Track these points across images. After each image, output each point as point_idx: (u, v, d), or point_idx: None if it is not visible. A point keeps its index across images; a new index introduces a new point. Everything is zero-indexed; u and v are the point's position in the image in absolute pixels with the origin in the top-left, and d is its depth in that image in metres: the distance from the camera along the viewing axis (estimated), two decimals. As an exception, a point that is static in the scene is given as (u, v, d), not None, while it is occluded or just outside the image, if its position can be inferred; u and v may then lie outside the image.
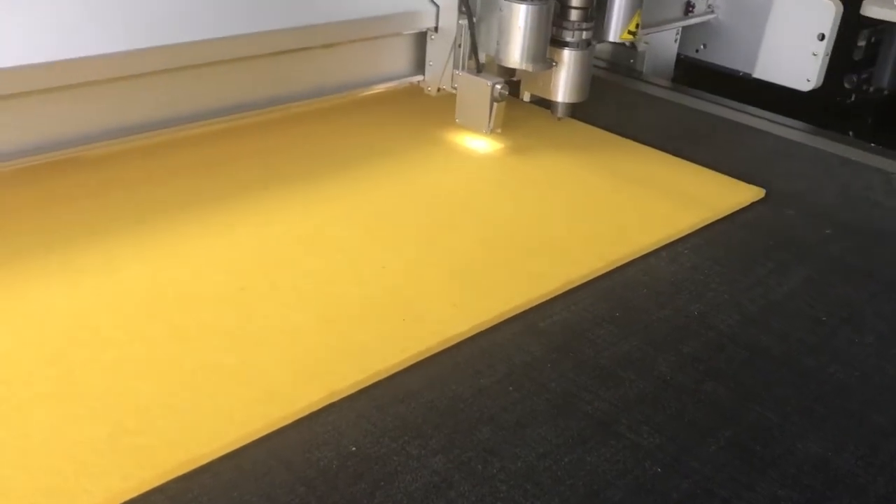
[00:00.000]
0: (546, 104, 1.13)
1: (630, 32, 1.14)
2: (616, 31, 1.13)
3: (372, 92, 1.09)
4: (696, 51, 1.56)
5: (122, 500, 0.53)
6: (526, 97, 1.13)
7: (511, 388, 0.66)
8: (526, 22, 1.00)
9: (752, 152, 1.15)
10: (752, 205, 1.01)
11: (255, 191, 0.91)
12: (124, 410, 0.60)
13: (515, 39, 1.01)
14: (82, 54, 0.80)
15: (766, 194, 1.03)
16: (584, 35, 1.07)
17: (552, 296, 0.78)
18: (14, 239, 0.79)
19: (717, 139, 1.19)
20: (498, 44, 1.02)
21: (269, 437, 0.59)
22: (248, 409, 0.61)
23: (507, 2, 1.00)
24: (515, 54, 1.02)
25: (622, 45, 1.48)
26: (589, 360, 0.70)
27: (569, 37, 1.06)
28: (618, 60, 1.51)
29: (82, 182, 0.90)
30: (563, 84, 1.09)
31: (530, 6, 0.99)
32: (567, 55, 1.07)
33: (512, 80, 1.11)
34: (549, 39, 1.04)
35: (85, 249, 0.79)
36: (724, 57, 1.54)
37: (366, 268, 0.80)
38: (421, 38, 1.06)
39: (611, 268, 0.84)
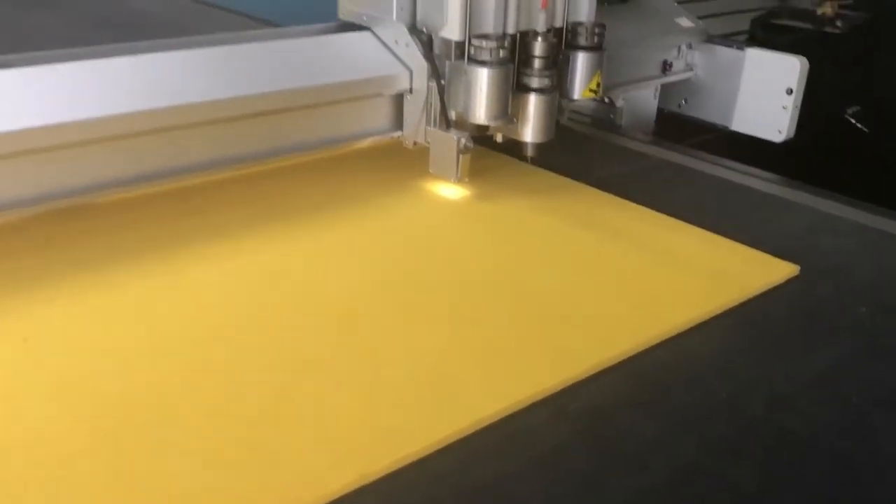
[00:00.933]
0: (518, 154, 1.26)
1: (591, 90, 1.26)
2: (578, 89, 1.25)
3: (357, 146, 1.22)
4: (679, 106, 1.68)
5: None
6: (499, 138, 1.25)
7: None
8: (488, 84, 1.13)
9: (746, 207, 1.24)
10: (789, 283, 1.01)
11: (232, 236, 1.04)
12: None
13: (479, 99, 1.14)
14: (95, 115, 0.95)
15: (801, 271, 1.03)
16: (547, 82, 1.19)
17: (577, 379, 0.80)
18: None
19: (729, 205, 1.26)
20: (464, 103, 1.15)
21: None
22: (280, 490, 0.64)
23: (470, 66, 1.13)
24: (480, 112, 1.14)
25: (602, 101, 1.61)
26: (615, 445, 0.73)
27: (533, 83, 1.18)
28: (599, 116, 1.63)
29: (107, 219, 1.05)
30: (531, 126, 1.21)
31: (490, 70, 1.12)
32: (532, 99, 1.19)
33: (487, 133, 1.24)
34: (509, 98, 1.15)
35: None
36: (703, 111, 1.65)
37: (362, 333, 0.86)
38: (399, 98, 1.19)
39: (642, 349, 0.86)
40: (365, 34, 1.19)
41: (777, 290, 0.99)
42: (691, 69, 1.64)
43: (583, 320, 0.91)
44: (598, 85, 1.26)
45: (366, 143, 1.22)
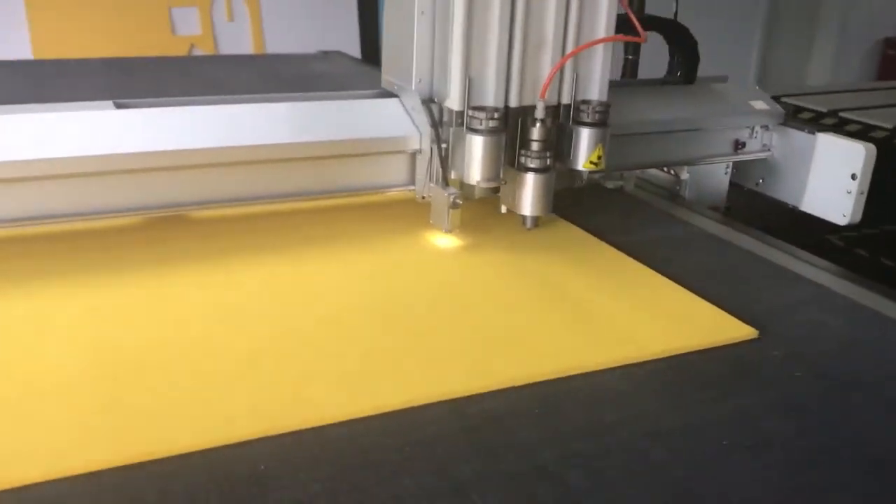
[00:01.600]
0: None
1: (592, 162, 1.35)
2: (580, 160, 1.36)
3: (383, 196, 1.43)
4: (756, 184, 1.68)
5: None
6: (503, 209, 1.39)
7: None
8: (481, 149, 1.28)
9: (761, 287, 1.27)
10: (741, 343, 1.07)
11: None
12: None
13: (474, 162, 1.30)
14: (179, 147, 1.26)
15: (760, 335, 1.08)
16: (543, 163, 1.31)
17: (487, 389, 0.94)
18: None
19: (736, 273, 1.33)
20: (461, 165, 1.31)
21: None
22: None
23: (468, 134, 1.29)
24: (475, 174, 1.30)
25: (669, 173, 1.67)
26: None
27: (531, 164, 1.32)
28: (667, 186, 1.68)
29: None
30: (528, 201, 1.34)
31: (483, 137, 1.28)
32: (529, 178, 1.33)
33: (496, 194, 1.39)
34: (501, 162, 1.30)
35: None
36: (778, 191, 1.65)
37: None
38: (414, 156, 1.38)
39: (555, 376, 0.98)
40: (393, 101, 1.40)
41: (727, 349, 1.06)
42: (768, 150, 1.65)
43: (513, 344, 1.05)
44: (600, 158, 1.36)
45: (390, 193, 1.42)
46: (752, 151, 1.65)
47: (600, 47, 1.35)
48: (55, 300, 1.13)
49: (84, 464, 0.80)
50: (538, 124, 1.30)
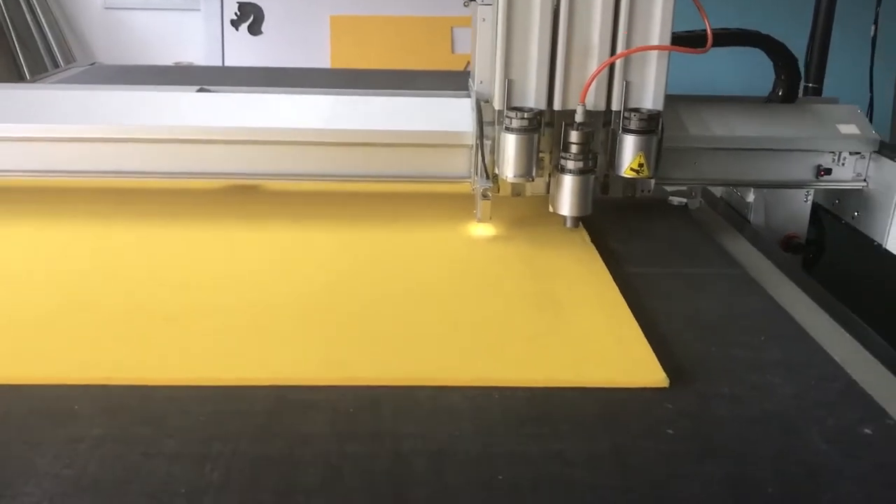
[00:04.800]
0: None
1: (633, 169, 1.37)
2: (623, 166, 1.38)
3: (447, 186, 1.53)
4: (852, 217, 1.59)
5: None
6: (550, 209, 1.44)
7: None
8: (514, 147, 1.35)
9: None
10: (645, 390, 0.99)
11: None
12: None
13: (507, 159, 1.37)
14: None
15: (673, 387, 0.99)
16: (581, 165, 1.35)
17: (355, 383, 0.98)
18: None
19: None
20: (498, 161, 1.39)
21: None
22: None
23: (503, 132, 1.36)
24: (508, 170, 1.37)
25: (738, 194, 1.63)
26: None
27: (569, 166, 1.36)
28: (736, 207, 1.64)
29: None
30: (565, 201, 1.39)
31: (517, 136, 1.34)
32: (567, 179, 1.37)
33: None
34: (533, 161, 1.36)
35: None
36: (870, 226, 1.54)
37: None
38: (478, 152, 1.47)
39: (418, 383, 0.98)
40: (465, 101, 1.50)
41: (621, 392, 0.98)
42: (862, 180, 1.55)
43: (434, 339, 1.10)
44: (641, 165, 1.37)
45: (455, 184, 1.52)
46: (841, 180, 1.55)
47: (653, 56, 1.36)
48: (154, 234, 1.42)
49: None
50: (576, 129, 1.35)
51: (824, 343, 1.12)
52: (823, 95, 2.57)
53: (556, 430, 0.90)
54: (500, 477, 0.83)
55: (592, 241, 1.42)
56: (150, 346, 1.05)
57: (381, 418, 0.92)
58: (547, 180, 1.45)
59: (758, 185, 1.59)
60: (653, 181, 1.49)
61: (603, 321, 1.16)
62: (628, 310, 1.18)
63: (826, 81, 2.79)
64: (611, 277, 1.28)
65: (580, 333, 1.12)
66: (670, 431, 0.91)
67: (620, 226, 1.51)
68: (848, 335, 1.15)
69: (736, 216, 1.61)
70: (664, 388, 0.99)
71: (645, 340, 1.09)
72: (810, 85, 1.57)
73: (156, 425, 0.89)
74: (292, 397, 0.95)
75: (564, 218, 1.42)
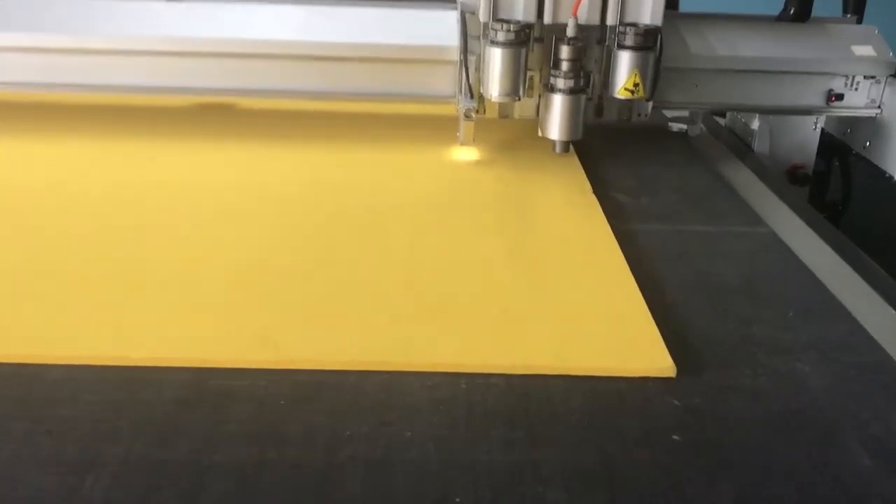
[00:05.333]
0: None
1: (627, 89, 1.27)
2: (616, 85, 1.28)
3: (425, 103, 1.43)
4: (863, 147, 1.49)
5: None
6: (539, 132, 1.35)
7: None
8: (499, 62, 1.25)
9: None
10: (647, 380, 0.80)
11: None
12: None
13: (493, 76, 1.26)
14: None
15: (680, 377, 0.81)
16: (572, 84, 1.25)
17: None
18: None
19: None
20: (483, 79, 1.29)
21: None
22: None
23: (488, 46, 1.26)
24: (493, 88, 1.27)
25: (742, 121, 1.52)
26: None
27: (559, 84, 1.26)
28: (740, 134, 1.54)
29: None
30: (554, 124, 1.29)
31: (503, 50, 1.24)
32: (557, 99, 1.27)
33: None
34: (520, 79, 1.26)
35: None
36: (883, 157, 1.45)
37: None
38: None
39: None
40: (449, 12, 1.39)
41: (622, 382, 0.80)
42: (877, 106, 1.44)
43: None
44: (637, 85, 1.27)
45: (435, 104, 1.42)
46: (853, 107, 1.45)
47: (653, -33, 1.25)
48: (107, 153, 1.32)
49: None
50: (567, 44, 1.24)
51: (863, 319, 0.93)
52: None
53: (532, 434, 0.73)
54: (458, 500, 0.65)
55: (583, 166, 1.33)
56: (50, 310, 0.87)
57: (317, 413, 0.74)
58: (537, 102, 1.36)
59: (763, 111, 1.48)
60: (650, 104, 1.39)
61: (596, 284, 0.97)
62: (628, 269, 0.99)
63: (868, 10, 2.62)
64: (606, 222, 1.13)
65: (568, 303, 0.93)
66: (676, 438, 0.73)
67: (614, 154, 1.42)
68: (893, 310, 0.93)
69: (739, 144, 1.51)
70: (670, 379, 0.81)
71: (649, 315, 0.90)
72: (848, 15, 1.44)
73: (33, 418, 0.72)
74: (212, 383, 0.77)
75: (553, 143, 1.32)
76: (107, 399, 0.75)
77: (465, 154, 1.34)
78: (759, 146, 1.49)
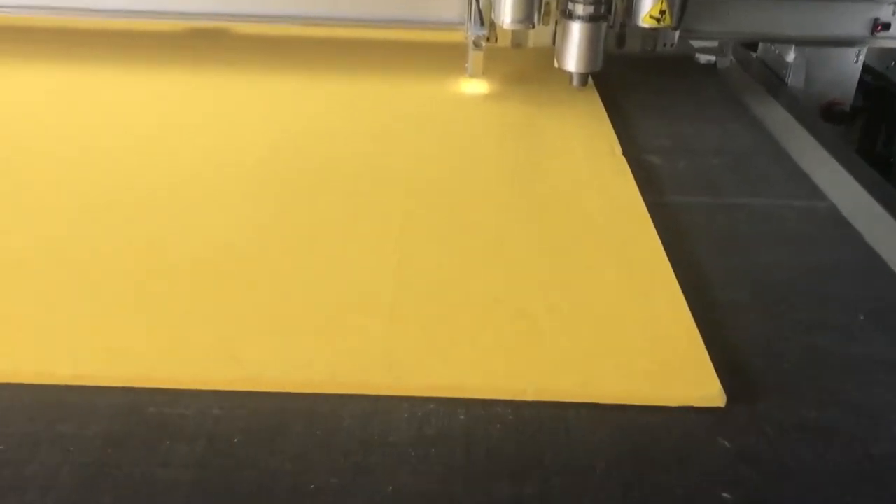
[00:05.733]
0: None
1: (653, 17, 1.16)
2: (640, 13, 1.16)
3: (433, 31, 1.32)
4: (887, 67, 1.37)
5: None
6: (556, 64, 1.24)
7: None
8: (513, -13, 1.14)
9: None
10: (689, 412, 0.65)
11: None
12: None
13: (506, 1, 1.15)
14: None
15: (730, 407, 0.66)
16: (591, 10, 1.14)
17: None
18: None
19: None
20: (496, 5, 1.18)
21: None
22: None
23: (501, -33, 1.14)
24: (505, 14, 1.16)
25: (776, 53, 1.40)
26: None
27: (578, 10, 1.15)
28: (773, 67, 1.42)
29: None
30: (572, 55, 1.18)
31: (517, -26, 1.13)
32: (574, 28, 1.16)
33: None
34: (534, 4, 1.14)
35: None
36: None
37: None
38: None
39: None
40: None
41: (658, 413, 0.65)
42: (924, 36, 1.32)
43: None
44: (663, 13, 1.15)
45: (444, 31, 1.31)
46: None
47: None
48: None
49: None
50: (588, -36, 1.13)
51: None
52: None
53: (545, 488, 0.58)
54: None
55: (604, 103, 1.23)
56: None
57: (278, 456, 0.59)
58: (553, 30, 1.25)
59: (800, 43, 1.35)
60: (676, 34, 1.28)
61: (628, 281, 0.79)
62: (666, 261, 0.82)
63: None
64: (634, 184, 0.97)
65: (591, 308, 0.75)
66: (727, 496, 0.58)
67: (636, 88, 1.30)
68: None
69: (772, 78, 1.40)
70: (718, 410, 0.65)
71: (693, 325, 0.73)
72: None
73: None
74: (151, 411, 0.62)
75: (570, 75, 1.22)
76: (19, 433, 0.60)
77: (474, 87, 1.24)
78: (794, 80, 1.37)
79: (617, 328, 0.72)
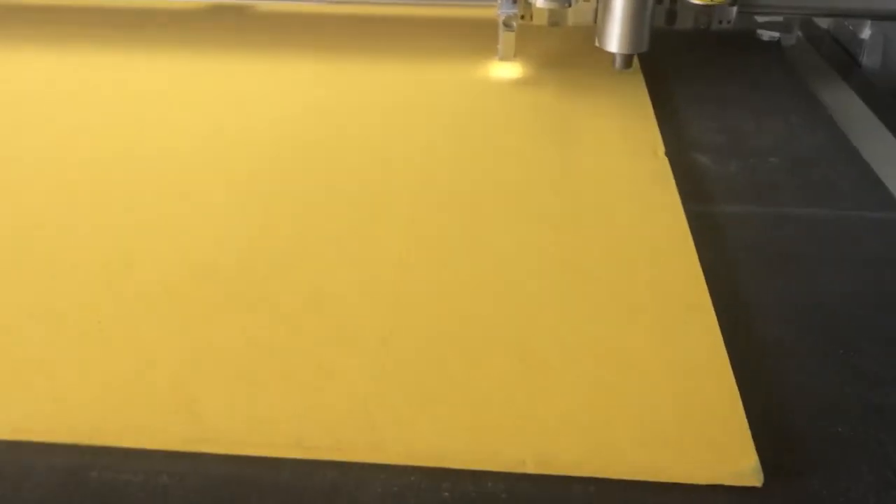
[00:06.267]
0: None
1: (706, -7, 1.02)
2: (693, -10, 1.03)
3: (462, 7, 1.22)
4: None
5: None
6: (597, 43, 1.11)
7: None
8: (547, -40, 1.01)
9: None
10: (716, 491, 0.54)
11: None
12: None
13: (541, -23, 1.03)
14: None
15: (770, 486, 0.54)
16: (637, -15, 1.01)
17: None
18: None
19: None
20: (531, -18, 1.06)
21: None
22: None
23: (534, -61, 1.02)
24: (541, -9, 1.04)
25: (850, 28, 1.25)
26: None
27: (622, -15, 1.03)
28: (846, 46, 1.26)
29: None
30: (614, 33, 1.06)
31: (550, -56, 1.00)
32: (619, 3, 1.03)
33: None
34: (572, -19, 1.02)
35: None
36: None
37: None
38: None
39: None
40: None
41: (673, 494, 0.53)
42: None
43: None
44: (718, -12, 1.02)
45: (473, 7, 1.21)
46: None
47: None
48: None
49: None
50: (633, -67, 1.00)
51: None
52: None
53: None
54: None
55: (649, 89, 1.10)
56: None
57: None
58: (594, 6, 1.12)
59: (878, 17, 1.19)
60: (734, 9, 1.14)
61: (653, 324, 0.67)
62: (708, 299, 0.69)
63: None
64: (678, 199, 0.83)
65: (608, 348, 0.64)
66: None
67: (687, 72, 1.17)
68: None
69: (844, 58, 1.24)
70: (754, 490, 0.54)
71: (732, 381, 0.61)
72: None
73: None
74: (93, 476, 0.54)
75: (613, 56, 1.09)
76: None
77: (504, 71, 1.12)
78: (869, 61, 1.21)
79: (638, 382, 0.61)
